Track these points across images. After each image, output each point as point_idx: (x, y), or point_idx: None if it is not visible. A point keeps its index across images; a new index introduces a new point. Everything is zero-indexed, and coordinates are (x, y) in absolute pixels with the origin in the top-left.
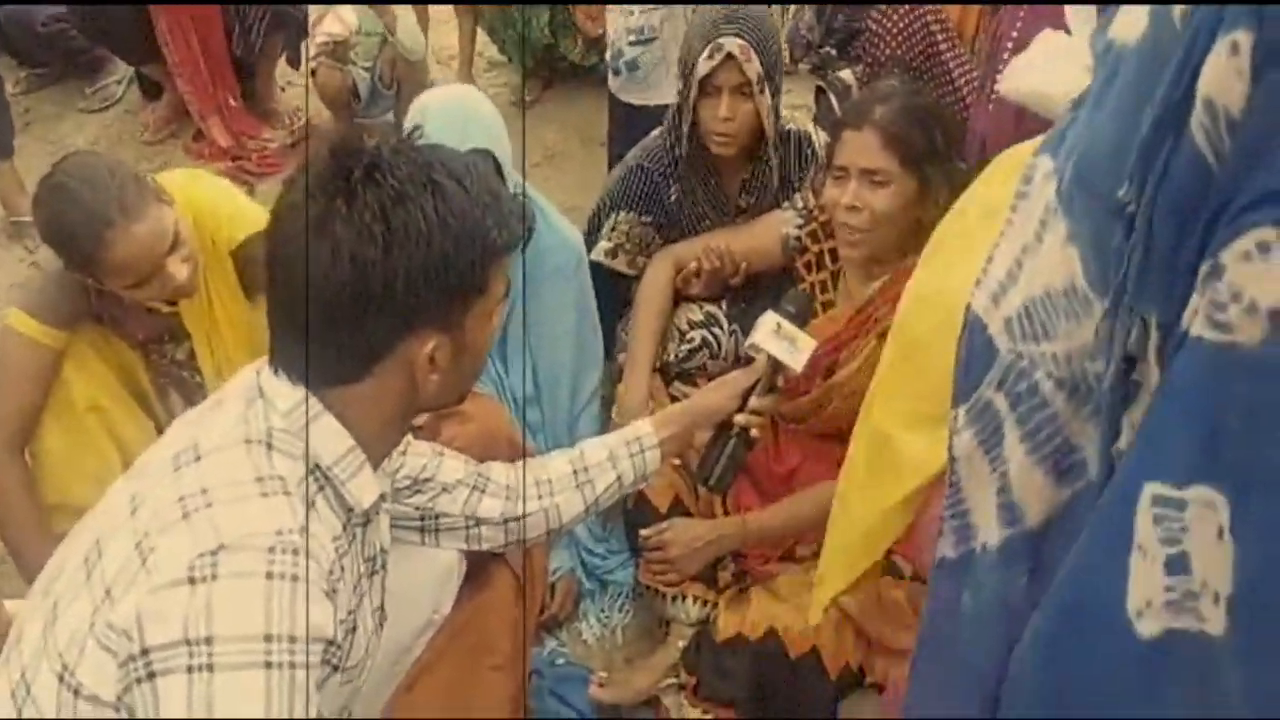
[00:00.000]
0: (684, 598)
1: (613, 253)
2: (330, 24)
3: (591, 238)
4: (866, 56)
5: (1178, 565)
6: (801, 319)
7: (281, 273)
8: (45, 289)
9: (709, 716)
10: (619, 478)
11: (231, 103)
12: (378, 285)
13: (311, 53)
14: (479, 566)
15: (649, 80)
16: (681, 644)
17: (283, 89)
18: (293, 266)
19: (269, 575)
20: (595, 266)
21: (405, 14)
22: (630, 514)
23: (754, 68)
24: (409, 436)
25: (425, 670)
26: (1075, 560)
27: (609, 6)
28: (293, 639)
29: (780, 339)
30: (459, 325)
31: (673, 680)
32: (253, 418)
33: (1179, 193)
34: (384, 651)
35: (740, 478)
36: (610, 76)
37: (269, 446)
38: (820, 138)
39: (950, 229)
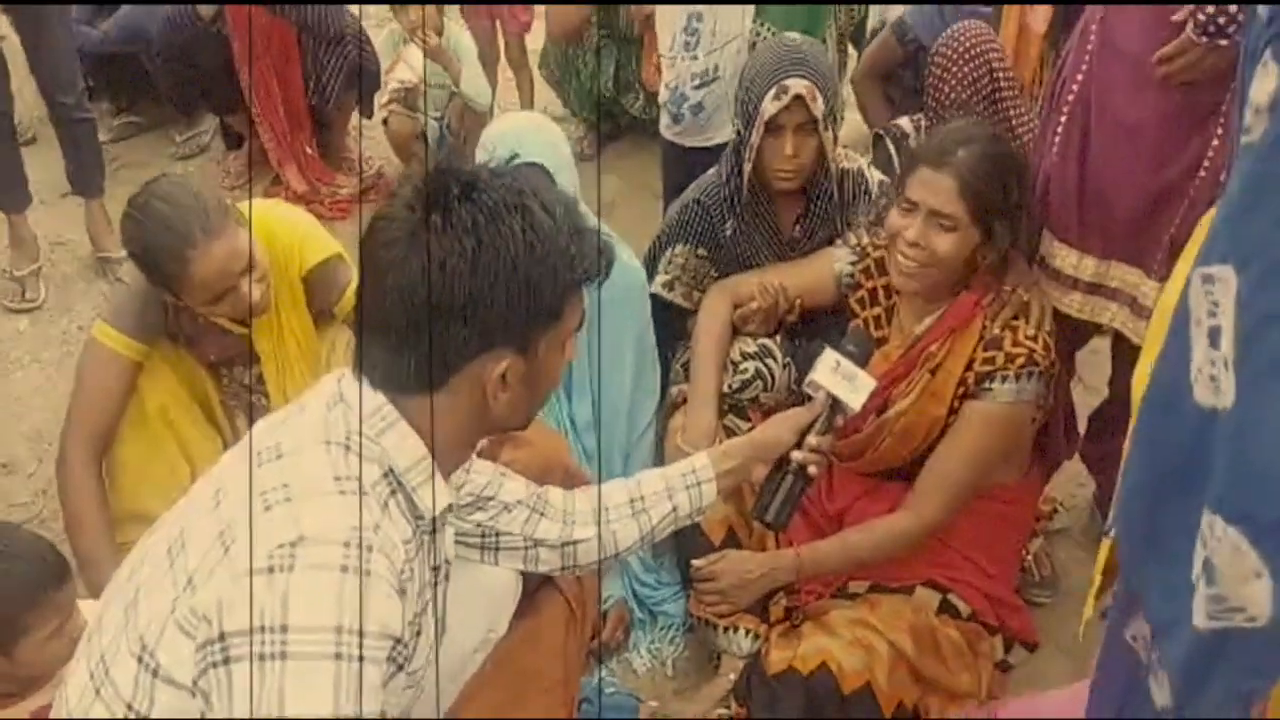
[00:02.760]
0: (735, 630)
1: (669, 285)
2: (402, 71)
3: (649, 271)
4: (929, 100)
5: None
6: (862, 358)
7: (371, 280)
8: (128, 302)
9: None
10: (675, 509)
11: (308, 151)
12: (462, 297)
13: (383, 99)
14: (531, 590)
15: (712, 121)
16: (732, 676)
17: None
18: (383, 275)
19: (344, 569)
20: (651, 301)
21: (470, 66)
22: (683, 545)
23: (819, 107)
24: (473, 455)
25: (474, 694)
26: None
27: (665, 56)
28: (363, 633)
29: (839, 377)
30: (533, 349)
31: (723, 711)
32: (333, 421)
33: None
34: (440, 667)
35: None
36: (667, 124)
37: (347, 448)
38: (873, 175)
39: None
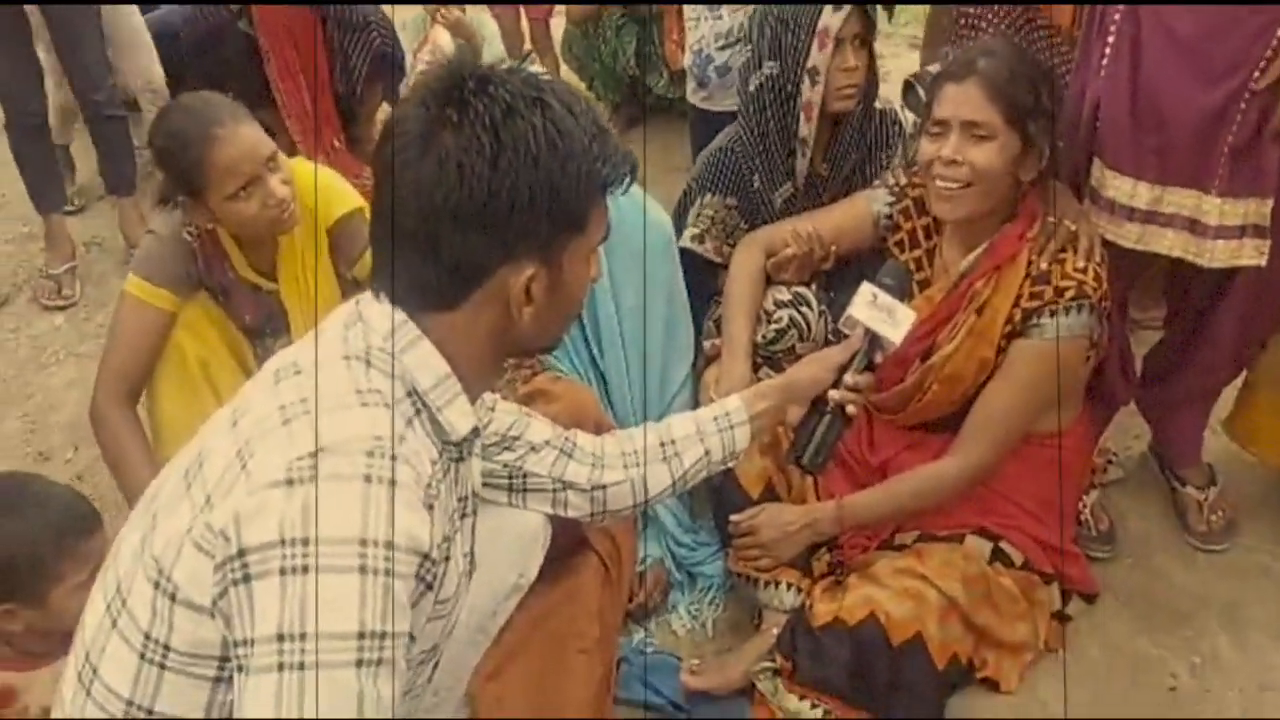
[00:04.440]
0: (777, 584)
1: (700, 238)
2: (429, 53)
3: (678, 226)
4: (965, 42)
5: None
6: (900, 291)
7: (386, 185)
8: (155, 250)
9: (808, 702)
10: (707, 453)
11: (335, 144)
12: (481, 199)
13: (410, 82)
14: (566, 552)
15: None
16: (775, 631)
17: None
18: (399, 178)
19: (367, 478)
20: (684, 257)
21: (491, 43)
22: (721, 502)
23: (871, 11)
24: (498, 396)
25: (511, 656)
26: None
27: (689, 19)
28: (389, 544)
29: (877, 311)
30: (557, 260)
31: (768, 664)
32: (352, 338)
33: None
34: (470, 611)
35: (833, 468)
36: (693, 89)
37: (368, 364)
38: (907, 117)
39: None
